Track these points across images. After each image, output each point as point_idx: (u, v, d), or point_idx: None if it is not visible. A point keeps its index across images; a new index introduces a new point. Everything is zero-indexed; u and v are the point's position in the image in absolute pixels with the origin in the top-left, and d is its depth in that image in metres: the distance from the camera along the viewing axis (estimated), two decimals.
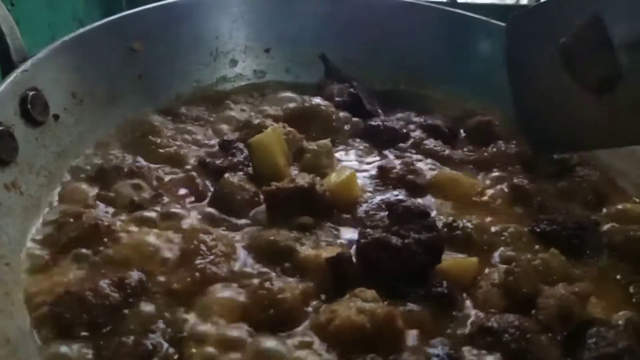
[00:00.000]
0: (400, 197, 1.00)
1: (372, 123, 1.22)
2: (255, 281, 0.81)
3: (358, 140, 1.20)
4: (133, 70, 1.17)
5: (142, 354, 0.69)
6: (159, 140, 1.09)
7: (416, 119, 1.28)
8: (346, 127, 1.22)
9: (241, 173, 1.02)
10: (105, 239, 0.85)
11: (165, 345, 0.72)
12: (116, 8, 1.67)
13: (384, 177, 1.08)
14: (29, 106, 0.91)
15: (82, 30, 1.08)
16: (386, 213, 0.94)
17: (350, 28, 1.41)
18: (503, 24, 1.35)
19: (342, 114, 1.24)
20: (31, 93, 0.92)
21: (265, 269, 0.85)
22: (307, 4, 1.40)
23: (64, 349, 0.69)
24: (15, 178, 0.86)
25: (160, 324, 0.74)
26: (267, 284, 0.78)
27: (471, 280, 0.87)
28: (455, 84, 1.36)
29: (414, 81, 1.40)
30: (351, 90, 1.29)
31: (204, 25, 1.29)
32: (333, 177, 1.01)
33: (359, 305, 0.74)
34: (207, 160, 1.06)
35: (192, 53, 1.28)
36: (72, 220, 0.87)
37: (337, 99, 1.27)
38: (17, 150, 0.87)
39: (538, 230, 0.98)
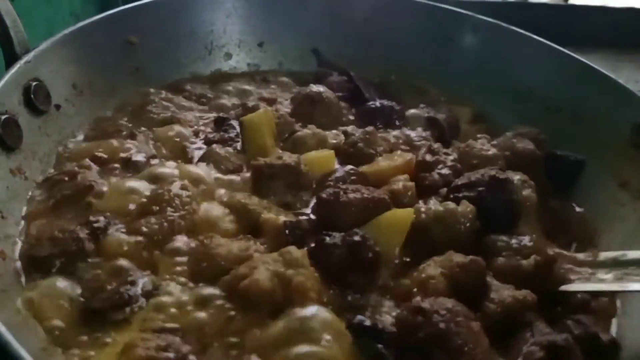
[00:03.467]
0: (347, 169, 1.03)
1: (369, 104, 1.25)
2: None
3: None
4: (130, 63, 1.22)
5: (118, 301, 0.75)
6: (155, 109, 1.14)
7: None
8: (349, 116, 1.26)
9: (229, 148, 1.07)
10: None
11: (142, 299, 0.76)
12: (112, 3, 1.71)
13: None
14: (32, 96, 0.96)
15: (81, 23, 1.12)
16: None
17: (342, 23, 1.45)
18: (489, 20, 1.41)
19: (342, 103, 1.27)
20: (34, 83, 0.96)
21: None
22: (298, 0, 1.44)
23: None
24: (20, 164, 0.91)
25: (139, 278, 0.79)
26: (206, 241, 0.83)
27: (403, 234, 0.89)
28: (441, 77, 1.40)
29: (404, 75, 1.44)
30: (350, 85, 1.32)
31: (199, 19, 1.33)
32: (313, 153, 1.05)
33: (275, 269, 0.77)
34: (200, 131, 1.11)
35: (187, 47, 1.32)
36: (66, 179, 0.92)
37: (337, 93, 1.28)
38: (22, 138, 0.92)
39: None
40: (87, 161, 0.98)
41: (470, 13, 1.42)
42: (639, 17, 2.00)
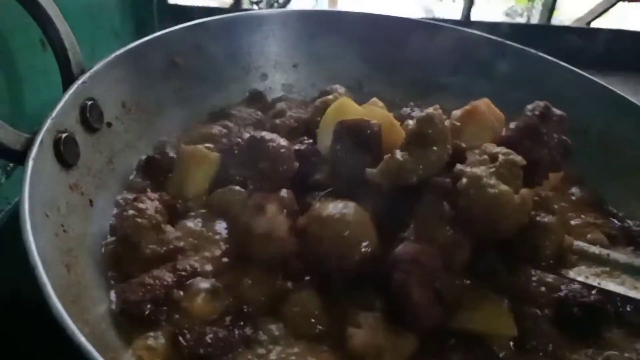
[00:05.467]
0: None
1: None
2: None
3: None
4: (174, 83, 1.27)
5: (223, 348, 0.78)
6: None
7: None
8: None
9: None
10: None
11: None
12: (148, 21, 1.77)
13: None
14: (87, 114, 1.00)
15: (130, 45, 1.16)
16: None
17: (371, 46, 1.50)
18: (518, 45, 1.45)
19: None
20: (89, 103, 1.01)
21: None
22: (331, 24, 1.49)
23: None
24: (77, 180, 0.95)
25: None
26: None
27: None
28: (468, 101, 1.43)
29: (430, 99, 1.47)
30: None
31: (239, 41, 1.39)
32: None
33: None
34: None
35: (227, 67, 1.38)
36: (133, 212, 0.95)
37: None
38: (79, 155, 0.96)
39: None
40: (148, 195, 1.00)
41: (499, 39, 1.46)
42: None
